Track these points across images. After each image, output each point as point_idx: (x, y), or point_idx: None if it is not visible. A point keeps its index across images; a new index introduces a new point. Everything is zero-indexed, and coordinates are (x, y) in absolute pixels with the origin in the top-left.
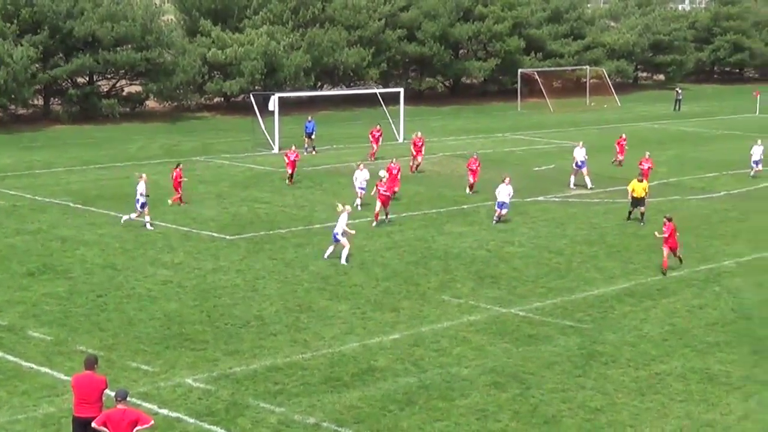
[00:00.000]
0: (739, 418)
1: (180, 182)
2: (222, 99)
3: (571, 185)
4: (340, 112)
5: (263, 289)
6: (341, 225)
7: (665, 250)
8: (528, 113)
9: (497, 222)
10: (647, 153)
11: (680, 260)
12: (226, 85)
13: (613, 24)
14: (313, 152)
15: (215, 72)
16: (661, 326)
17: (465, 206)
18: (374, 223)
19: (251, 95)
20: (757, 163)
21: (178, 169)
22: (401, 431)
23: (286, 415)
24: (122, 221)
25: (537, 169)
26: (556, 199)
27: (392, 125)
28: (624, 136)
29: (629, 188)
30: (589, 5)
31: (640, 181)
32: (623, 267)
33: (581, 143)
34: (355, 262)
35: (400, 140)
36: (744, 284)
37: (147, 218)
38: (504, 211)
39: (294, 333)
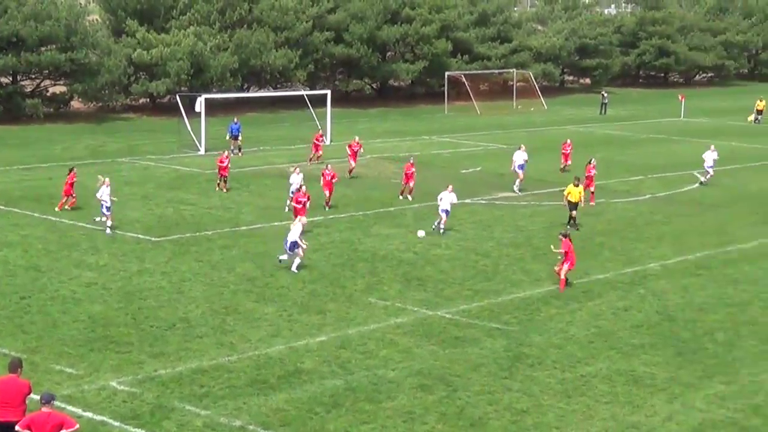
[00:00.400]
0: (664, 420)
1: (72, 184)
2: (148, 100)
3: (517, 189)
4: (267, 114)
5: (189, 291)
6: (294, 235)
7: (564, 269)
8: (455, 116)
9: (439, 230)
10: (593, 160)
11: (568, 283)
12: (152, 86)
13: (539, 27)
14: (239, 154)
15: (141, 73)
16: (587, 328)
17: (392, 208)
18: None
19: (177, 96)
20: (709, 168)
21: (71, 173)
22: None
23: (211, 418)
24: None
25: (464, 171)
26: (483, 202)
27: (319, 127)
28: (569, 141)
29: (565, 193)
30: (516, 9)
31: (576, 185)
32: (549, 269)
33: (522, 147)
34: (282, 264)
35: (327, 142)
36: (668, 287)
37: (109, 223)
38: (445, 218)
39: (220, 335)
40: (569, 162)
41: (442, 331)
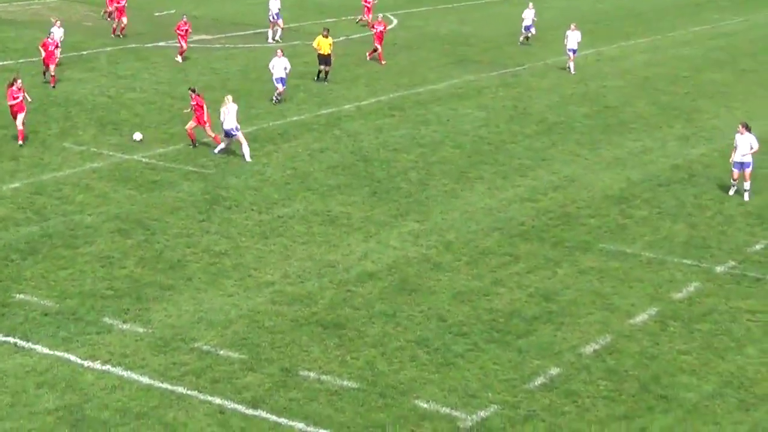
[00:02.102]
0: (360, 258)
1: None
2: None
3: (278, 38)
4: None
5: None
6: (230, 121)
7: (192, 124)
8: None
9: (278, 101)
10: (380, 15)
11: (215, 139)
12: None
13: None
14: None
15: None
16: (283, 170)
17: (84, 52)
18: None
19: None
20: (528, 28)
21: None
22: (25, 280)
23: None
24: None
25: (158, 14)
26: (178, 45)
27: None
28: None
29: (314, 45)
30: None
31: (326, 37)
32: (246, 112)
33: None
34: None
35: None
36: (363, 128)
37: None
38: (282, 88)
39: None
40: (370, 16)
41: (139, 176)
